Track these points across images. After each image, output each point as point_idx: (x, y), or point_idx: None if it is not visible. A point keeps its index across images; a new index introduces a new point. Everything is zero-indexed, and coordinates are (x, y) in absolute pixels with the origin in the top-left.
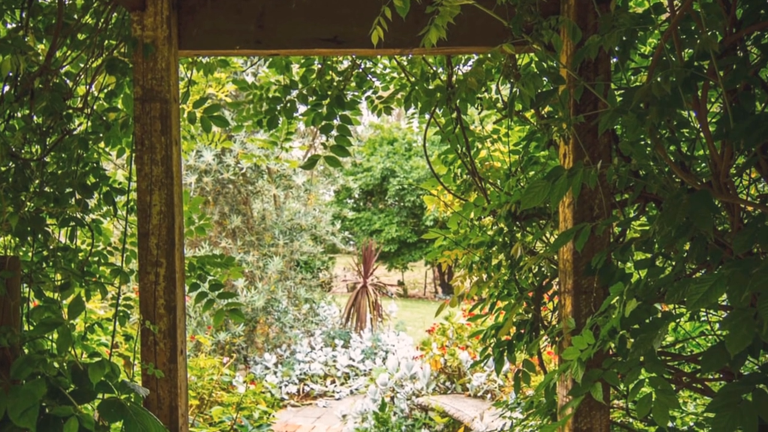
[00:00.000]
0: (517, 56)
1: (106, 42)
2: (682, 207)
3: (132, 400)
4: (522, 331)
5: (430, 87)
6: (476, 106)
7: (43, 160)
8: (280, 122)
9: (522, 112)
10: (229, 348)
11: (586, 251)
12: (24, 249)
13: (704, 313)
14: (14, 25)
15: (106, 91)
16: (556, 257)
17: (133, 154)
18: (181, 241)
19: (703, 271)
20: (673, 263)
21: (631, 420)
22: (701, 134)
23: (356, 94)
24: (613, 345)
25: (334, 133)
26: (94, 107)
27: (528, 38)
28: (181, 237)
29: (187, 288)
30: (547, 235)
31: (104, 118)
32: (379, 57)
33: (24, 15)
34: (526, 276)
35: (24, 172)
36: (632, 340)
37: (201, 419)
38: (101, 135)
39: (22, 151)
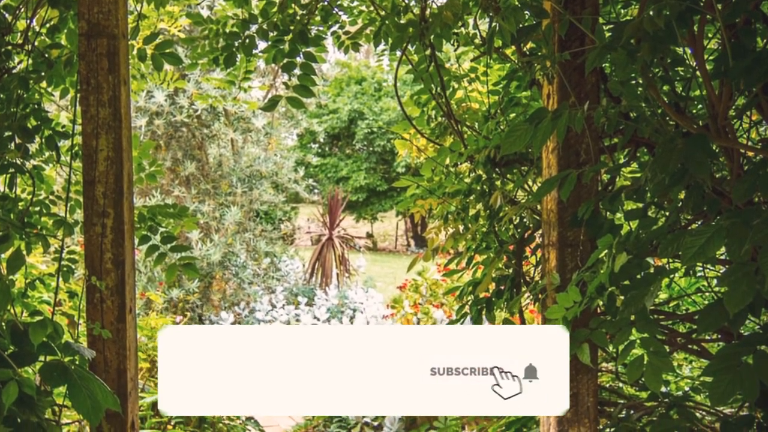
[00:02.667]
0: None
1: None
2: (676, 152)
3: (76, 362)
4: (502, 287)
5: (402, 21)
6: (452, 42)
7: None
8: (238, 60)
9: (502, 48)
10: (183, 306)
11: (571, 200)
12: None
13: (701, 268)
14: None
15: (48, 26)
16: (539, 207)
17: (78, 95)
18: (130, 190)
19: (699, 223)
20: (667, 214)
21: (620, 384)
22: (697, 73)
23: (321, 29)
24: (601, 303)
25: (297, 71)
26: (36, 43)
27: None
28: (130, 185)
29: (136, 241)
30: (530, 182)
31: (46, 55)
32: None
33: None
34: (506, 227)
35: None
36: (622, 297)
37: (152, 384)
38: (43, 74)
39: None
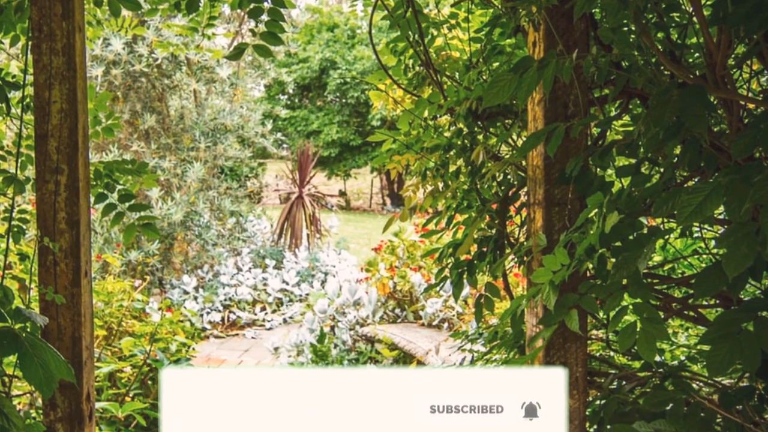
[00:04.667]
0: None
1: None
2: (671, 104)
3: (28, 330)
4: (484, 249)
5: None
6: None
7: None
8: (202, 4)
9: None
10: (142, 269)
11: (559, 156)
12: None
13: (697, 229)
14: None
15: None
16: (524, 163)
17: (30, 43)
18: (85, 145)
19: (696, 180)
20: (662, 170)
21: (612, 353)
22: (694, 19)
23: None
24: (591, 266)
25: (265, 17)
26: None
27: None
28: (85, 139)
29: (92, 199)
30: (514, 137)
31: None
32: None
33: None
34: (489, 185)
35: None
36: (613, 260)
37: (108, 352)
38: None
39: None
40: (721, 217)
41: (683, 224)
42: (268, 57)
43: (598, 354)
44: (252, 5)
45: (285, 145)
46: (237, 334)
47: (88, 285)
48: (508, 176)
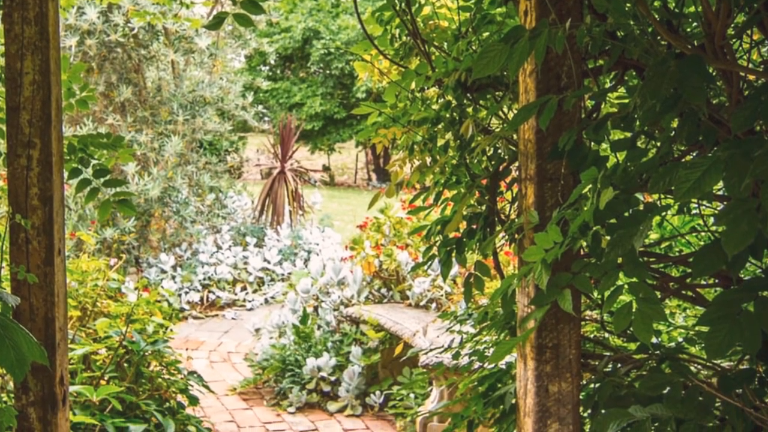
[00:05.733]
0: None
1: None
2: (668, 75)
3: None
4: (474, 226)
5: None
6: None
7: None
8: None
9: None
10: (118, 247)
11: (552, 129)
12: None
13: (696, 205)
14: None
15: None
16: (515, 137)
17: (0, 12)
18: (59, 118)
19: (694, 154)
20: (658, 144)
21: (606, 335)
22: None
23: None
24: (584, 244)
25: None
26: None
27: None
28: (59, 112)
29: (66, 174)
30: (505, 109)
31: None
32: None
33: None
34: (478, 159)
35: None
36: (608, 237)
37: (83, 333)
38: None
39: None
40: (720, 193)
41: (681, 200)
42: (249, 26)
43: (592, 335)
44: None
45: (266, 118)
46: (216, 315)
47: (61, 264)
48: (499, 150)
